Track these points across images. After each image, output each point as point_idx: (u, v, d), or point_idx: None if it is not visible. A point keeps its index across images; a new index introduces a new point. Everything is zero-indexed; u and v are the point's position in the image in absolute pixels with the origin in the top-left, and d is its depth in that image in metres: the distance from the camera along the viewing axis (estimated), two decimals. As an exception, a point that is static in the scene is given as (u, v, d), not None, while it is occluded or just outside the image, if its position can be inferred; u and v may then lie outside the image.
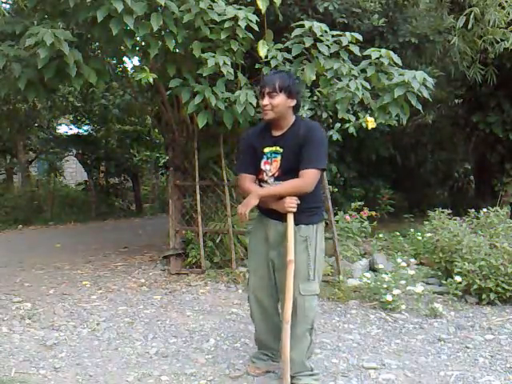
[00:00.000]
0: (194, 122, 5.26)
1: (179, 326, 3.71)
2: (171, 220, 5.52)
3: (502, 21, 5.94)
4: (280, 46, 4.57)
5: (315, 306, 2.66)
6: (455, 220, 5.12)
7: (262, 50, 4.53)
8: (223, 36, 4.40)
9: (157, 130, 11.73)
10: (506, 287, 4.03)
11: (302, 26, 4.34)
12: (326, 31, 4.35)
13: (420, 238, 5.46)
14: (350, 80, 4.33)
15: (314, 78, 4.42)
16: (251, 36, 4.55)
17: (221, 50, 4.53)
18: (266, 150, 2.62)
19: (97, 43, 5.35)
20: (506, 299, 4.10)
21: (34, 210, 10.63)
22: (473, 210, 5.44)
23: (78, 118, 12.25)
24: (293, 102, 2.58)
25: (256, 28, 4.41)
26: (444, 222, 5.05)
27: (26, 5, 4.74)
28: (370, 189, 8.54)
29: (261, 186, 2.65)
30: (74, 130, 12.88)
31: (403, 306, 4.01)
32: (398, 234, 6.06)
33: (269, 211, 2.62)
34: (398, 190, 9.43)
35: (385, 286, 4.11)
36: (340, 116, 4.58)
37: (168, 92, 5.16)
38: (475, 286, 4.09)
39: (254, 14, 4.42)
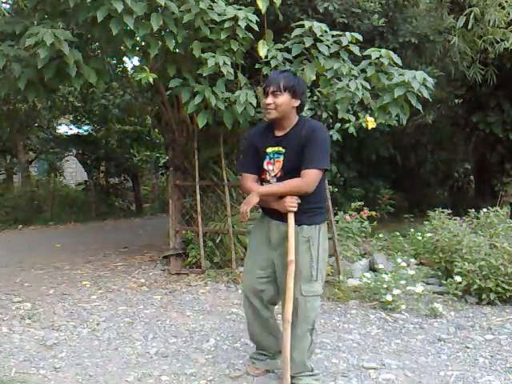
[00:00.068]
0: (194, 121, 5.25)
1: (179, 325, 3.71)
2: (171, 220, 5.52)
3: (502, 21, 5.94)
4: (280, 46, 4.56)
5: (317, 306, 2.64)
6: (455, 220, 5.13)
7: (262, 50, 4.53)
8: (223, 36, 4.40)
9: (157, 130, 11.73)
10: (506, 287, 4.03)
11: (302, 25, 4.34)
12: (326, 31, 4.35)
13: (420, 238, 5.46)
14: (350, 80, 4.33)
15: (313, 77, 4.42)
16: (251, 36, 4.55)
17: (221, 50, 4.53)
18: (269, 150, 2.60)
19: (97, 43, 5.35)
20: (506, 299, 4.11)
21: (34, 210, 10.63)
22: (473, 210, 5.44)
23: (78, 118, 12.25)
24: (296, 103, 2.56)
25: (256, 28, 4.41)
26: (444, 222, 5.06)
27: (26, 5, 4.74)
28: (370, 189, 8.55)
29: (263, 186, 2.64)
30: (74, 130, 12.88)
31: (403, 306, 4.01)
32: (398, 233, 6.06)
33: (271, 211, 2.61)
34: (398, 190, 9.43)
35: (385, 285, 4.11)
36: (340, 116, 4.57)
37: (168, 92, 5.16)
38: (475, 286, 4.09)
39: (254, 14, 4.42)
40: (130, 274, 5.31)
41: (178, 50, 4.68)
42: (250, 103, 4.46)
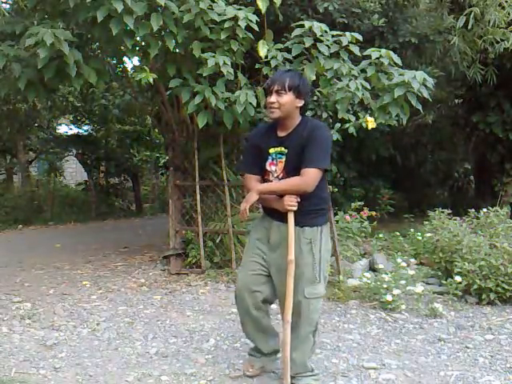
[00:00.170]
0: (194, 121, 5.26)
1: (179, 325, 3.71)
2: (171, 220, 5.52)
3: (502, 21, 5.94)
4: (280, 45, 4.56)
5: (319, 307, 2.62)
6: (455, 220, 5.13)
7: (262, 49, 4.53)
8: (223, 36, 4.40)
9: (157, 130, 11.73)
10: (506, 287, 4.03)
11: (302, 25, 4.34)
12: (326, 31, 4.35)
13: (420, 238, 5.46)
14: (350, 80, 4.33)
15: (313, 77, 4.42)
16: (251, 36, 4.55)
17: (221, 50, 4.53)
18: (271, 150, 2.58)
19: (97, 43, 5.35)
20: (506, 299, 4.10)
21: (34, 210, 10.63)
22: (473, 210, 5.44)
23: (78, 118, 12.26)
24: (300, 103, 2.53)
25: (256, 28, 4.41)
26: (444, 222, 5.06)
27: (26, 5, 4.75)
28: (370, 189, 8.55)
29: None
30: (74, 130, 12.88)
31: (403, 306, 4.01)
32: (398, 233, 6.06)
33: (272, 212, 2.59)
34: (398, 190, 9.43)
35: (385, 286, 4.11)
36: (340, 116, 4.57)
37: (168, 92, 5.16)
38: (475, 286, 4.09)
39: (254, 14, 4.43)
40: (130, 274, 5.31)
41: (177, 50, 4.69)
42: (250, 103, 4.45)
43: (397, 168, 9.76)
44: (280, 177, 2.55)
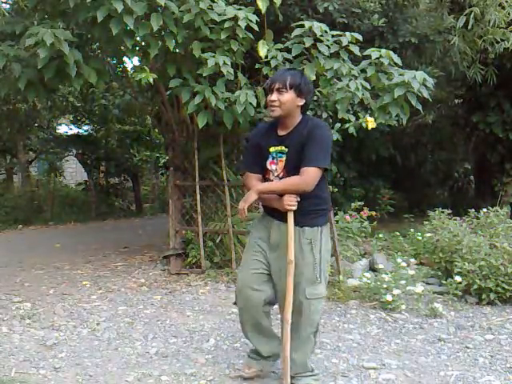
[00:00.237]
0: (194, 121, 5.26)
1: (179, 325, 3.71)
2: (171, 220, 5.52)
3: (502, 21, 5.95)
4: (280, 45, 4.57)
5: (320, 308, 2.61)
6: (455, 220, 5.13)
7: (262, 50, 4.53)
8: (223, 36, 4.40)
9: (157, 130, 11.74)
10: (506, 287, 4.03)
11: (302, 25, 4.34)
12: (326, 31, 4.35)
13: (420, 237, 5.46)
14: (350, 80, 4.33)
15: (313, 77, 4.42)
16: (251, 36, 4.55)
17: (221, 50, 4.53)
18: (272, 149, 2.57)
19: (97, 43, 5.36)
20: (506, 299, 4.10)
21: (34, 210, 10.63)
22: (473, 210, 5.44)
23: (78, 118, 12.26)
24: (301, 102, 2.52)
25: (256, 28, 4.41)
26: (444, 222, 5.06)
27: (26, 5, 4.75)
28: (370, 189, 8.55)
29: None
30: (74, 130, 12.88)
31: (403, 306, 4.01)
32: (398, 233, 6.06)
33: (272, 211, 2.58)
34: (398, 190, 9.43)
35: (385, 286, 4.11)
36: (340, 116, 4.57)
37: (168, 92, 5.16)
38: (475, 286, 4.09)
39: (254, 14, 4.43)
40: (130, 274, 5.31)
41: (177, 50, 4.69)
42: (250, 103, 4.45)
43: (397, 168, 9.76)
44: (280, 176, 2.54)
